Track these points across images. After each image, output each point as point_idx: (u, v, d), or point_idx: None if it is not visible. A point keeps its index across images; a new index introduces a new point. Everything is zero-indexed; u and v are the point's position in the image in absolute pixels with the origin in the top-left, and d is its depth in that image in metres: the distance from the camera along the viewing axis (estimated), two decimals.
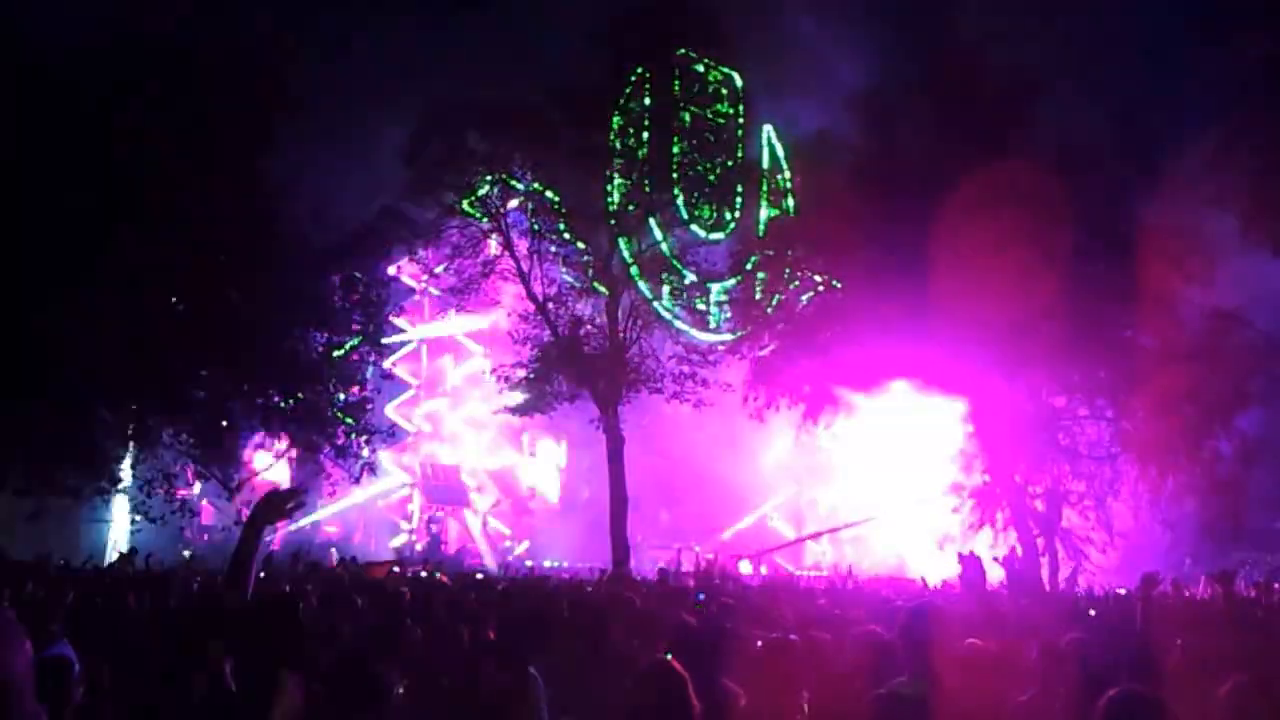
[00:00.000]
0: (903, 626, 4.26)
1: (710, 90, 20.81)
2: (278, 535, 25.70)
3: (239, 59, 14.78)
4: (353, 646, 5.81)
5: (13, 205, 12.70)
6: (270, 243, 15.22)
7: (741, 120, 21.57)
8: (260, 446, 18.70)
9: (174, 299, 14.38)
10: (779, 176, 22.17)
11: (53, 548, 13.40)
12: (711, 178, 20.68)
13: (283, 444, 16.57)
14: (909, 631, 4.21)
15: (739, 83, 21.56)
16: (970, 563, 6.59)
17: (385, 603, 8.12)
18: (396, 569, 15.24)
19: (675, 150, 19.89)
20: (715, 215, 21.10)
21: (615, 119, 19.52)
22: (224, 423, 15.86)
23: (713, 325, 21.16)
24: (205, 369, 14.91)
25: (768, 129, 22.82)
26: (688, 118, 20.11)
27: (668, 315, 20.66)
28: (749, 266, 20.23)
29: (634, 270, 20.20)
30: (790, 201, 21.56)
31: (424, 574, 14.56)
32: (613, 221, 19.83)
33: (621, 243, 20.22)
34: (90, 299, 13.18)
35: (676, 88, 20.08)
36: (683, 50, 20.19)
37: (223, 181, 14.80)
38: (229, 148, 14.87)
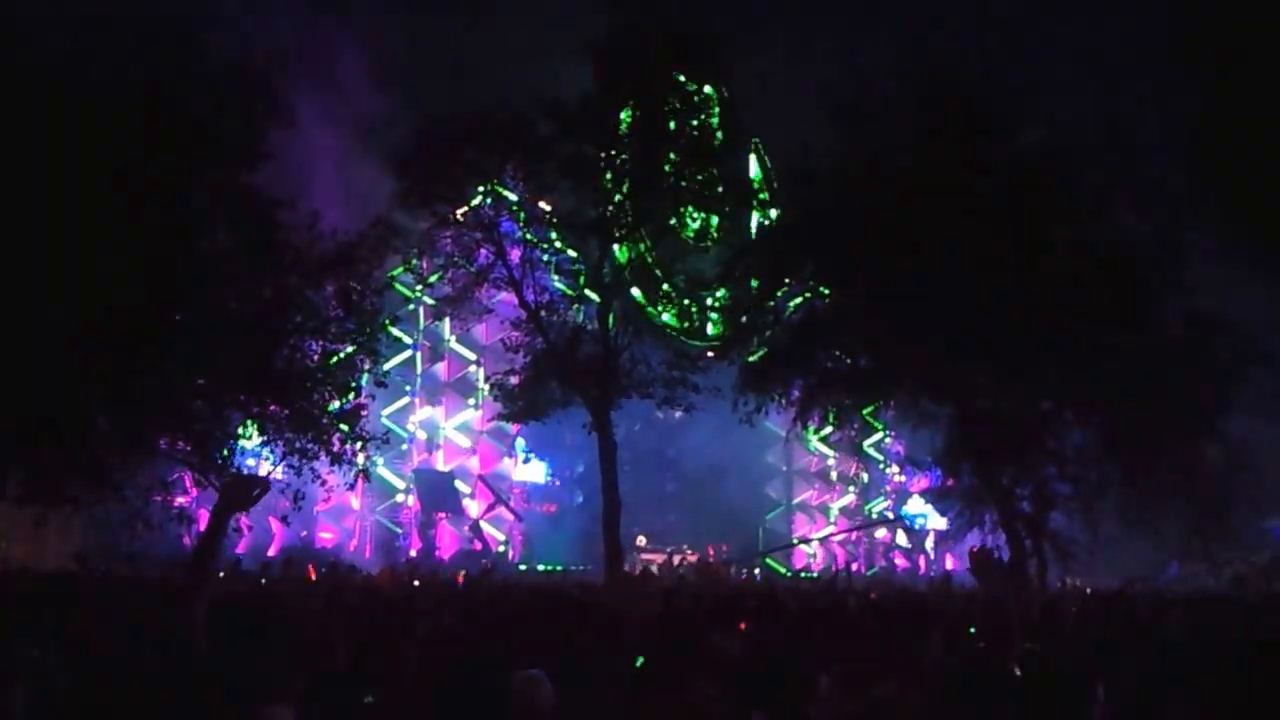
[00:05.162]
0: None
1: (698, 102, 21.07)
2: (275, 542, 25.89)
3: (231, 70, 14.94)
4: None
5: (5, 215, 12.82)
6: (266, 251, 15.37)
7: (729, 132, 21.83)
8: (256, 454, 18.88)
9: (172, 308, 14.51)
10: (764, 190, 22.50)
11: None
12: (700, 186, 20.91)
13: (275, 455, 16.72)
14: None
15: (726, 95, 21.85)
16: (979, 556, 7.31)
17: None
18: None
19: (664, 161, 20.13)
20: (704, 224, 21.38)
21: (606, 131, 19.76)
22: (220, 431, 15.98)
23: (701, 331, 21.45)
24: (203, 378, 15.05)
25: (755, 141, 23.20)
26: (676, 129, 20.34)
27: (658, 322, 20.92)
28: (737, 274, 20.49)
29: (625, 277, 20.46)
30: (775, 212, 21.87)
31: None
32: (603, 230, 20.08)
33: (612, 251, 20.46)
34: (86, 310, 13.32)
35: (665, 101, 20.33)
36: (672, 65, 20.45)
37: (218, 191, 14.97)
38: (223, 158, 15.04)
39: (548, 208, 20.27)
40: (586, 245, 20.48)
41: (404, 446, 30.73)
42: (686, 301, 26.49)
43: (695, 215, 21.35)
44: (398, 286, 22.87)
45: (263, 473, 17.74)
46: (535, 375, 19.86)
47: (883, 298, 17.37)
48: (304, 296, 15.83)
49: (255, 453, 18.47)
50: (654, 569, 26.75)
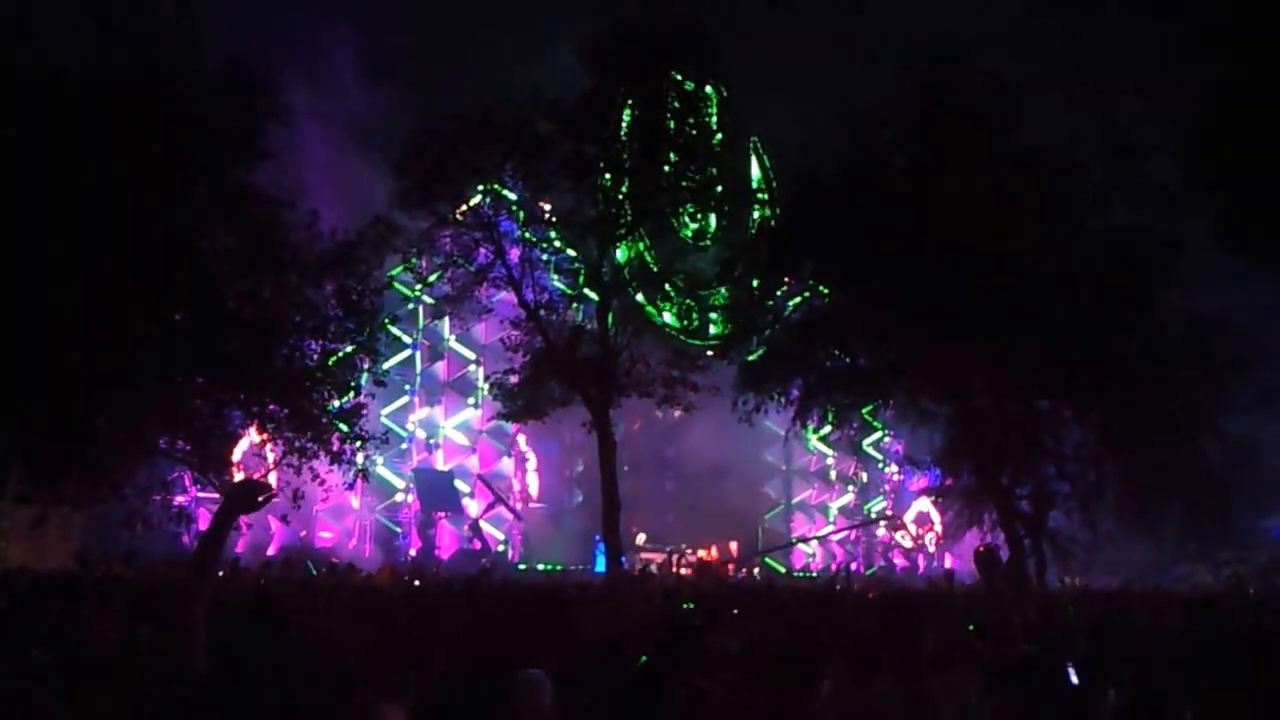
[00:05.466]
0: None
1: (697, 101, 21.10)
2: (274, 541, 25.90)
3: (229, 68, 14.96)
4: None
5: (6, 213, 12.83)
6: (266, 251, 15.39)
7: (728, 131, 21.87)
8: (258, 454, 18.89)
9: (172, 308, 14.54)
10: (764, 189, 22.51)
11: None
12: (699, 185, 20.93)
13: (273, 453, 16.73)
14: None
15: (725, 94, 21.88)
16: (985, 555, 7.37)
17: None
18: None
19: (664, 160, 20.15)
20: (703, 224, 21.41)
21: (605, 130, 19.78)
22: (220, 431, 16.00)
23: (700, 330, 21.48)
24: (203, 378, 15.07)
25: (754, 140, 23.27)
26: (675, 128, 20.36)
27: (658, 321, 20.95)
28: (737, 273, 20.52)
29: (624, 277, 20.47)
30: (775, 210, 21.89)
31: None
32: (603, 230, 20.09)
33: (612, 250, 20.47)
34: (88, 308, 13.34)
35: (664, 100, 20.35)
36: (671, 64, 20.47)
37: (217, 190, 14.98)
38: (222, 157, 15.05)
39: (547, 207, 20.28)
40: (586, 245, 20.49)
41: (403, 446, 30.69)
42: (687, 301, 26.56)
43: (695, 215, 21.36)
44: (397, 286, 22.85)
45: (259, 471, 17.77)
46: (535, 375, 19.86)
47: (882, 298, 17.39)
48: (303, 296, 15.84)
49: (255, 453, 18.51)
50: (654, 569, 26.76)
